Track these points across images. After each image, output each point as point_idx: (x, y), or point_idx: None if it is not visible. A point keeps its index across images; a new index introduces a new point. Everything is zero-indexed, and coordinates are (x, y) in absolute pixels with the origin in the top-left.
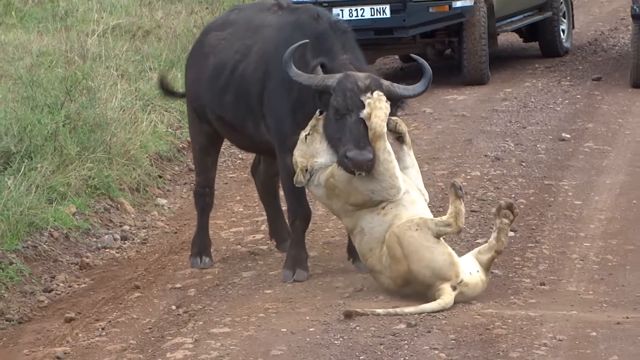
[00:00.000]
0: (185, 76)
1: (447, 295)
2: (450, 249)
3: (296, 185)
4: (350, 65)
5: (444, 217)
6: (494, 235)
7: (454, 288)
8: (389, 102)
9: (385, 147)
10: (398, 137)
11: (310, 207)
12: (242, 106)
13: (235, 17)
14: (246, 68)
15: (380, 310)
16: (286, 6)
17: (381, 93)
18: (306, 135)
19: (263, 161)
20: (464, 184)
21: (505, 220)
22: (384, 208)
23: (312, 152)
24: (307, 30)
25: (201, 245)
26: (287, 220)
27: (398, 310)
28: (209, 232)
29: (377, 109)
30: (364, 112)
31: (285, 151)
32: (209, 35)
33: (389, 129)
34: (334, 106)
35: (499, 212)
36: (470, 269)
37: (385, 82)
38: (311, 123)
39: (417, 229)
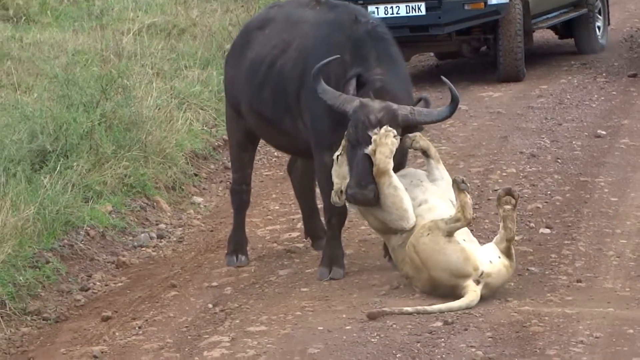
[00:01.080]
0: (225, 73)
1: (471, 293)
2: (462, 244)
3: (335, 205)
4: (379, 83)
5: (452, 213)
6: (501, 225)
7: (477, 282)
8: (398, 138)
9: (391, 183)
10: (423, 152)
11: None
12: (279, 102)
13: (274, 13)
14: (284, 64)
15: (408, 309)
16: (324, 1)
17: (390, 128)
18: (338, 156)
19: (300, 160)
20: (499, 180)
21: (507, 207)
22: None
23: (344, 173)
24: (345, 32)
25: (237, 243)
26: (323, 219)
27: (420, 308)
28: (245, 230)
29: (382, 145)
30: (369, 149)
31: (322, 149)
32: (248, 32)
33: (405, 147)
34: (349, 133)
35: (500, 201)
36: (490, 257)
37: (403, 111)
38: (343, 143)
39: (428, 234)
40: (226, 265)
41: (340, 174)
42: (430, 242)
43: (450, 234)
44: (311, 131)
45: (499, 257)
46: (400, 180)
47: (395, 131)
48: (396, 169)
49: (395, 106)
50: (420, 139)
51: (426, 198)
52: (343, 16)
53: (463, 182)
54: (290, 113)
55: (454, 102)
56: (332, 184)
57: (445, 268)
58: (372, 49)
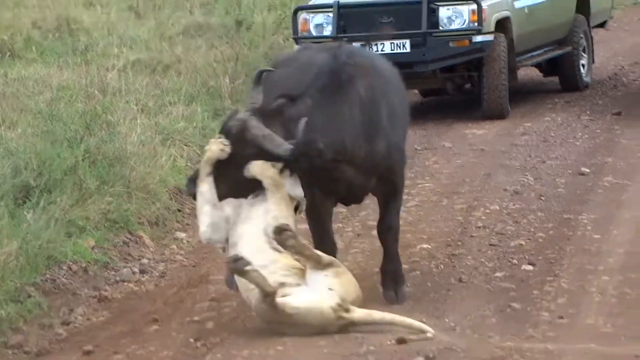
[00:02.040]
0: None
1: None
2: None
3: None
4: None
5: None
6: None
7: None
8: (227, 146)
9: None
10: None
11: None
12: None
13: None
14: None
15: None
16: (338, 47)
17: (221, 137)
18: None
19: None
20: (482, 217)
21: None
22: None
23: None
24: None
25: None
26: None
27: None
28: None
29: (208, 150)
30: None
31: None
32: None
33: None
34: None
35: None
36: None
37: (256, 131)
38: None
39: None
40: (226, 286)
41: None
42: None
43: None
44: None
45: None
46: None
47: (225, 142)
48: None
49: (253, 123)
50: (255, 166)
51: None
52: (324, 54)
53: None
54: None
55: (301, 144)
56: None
57: None
58: (320, 79)
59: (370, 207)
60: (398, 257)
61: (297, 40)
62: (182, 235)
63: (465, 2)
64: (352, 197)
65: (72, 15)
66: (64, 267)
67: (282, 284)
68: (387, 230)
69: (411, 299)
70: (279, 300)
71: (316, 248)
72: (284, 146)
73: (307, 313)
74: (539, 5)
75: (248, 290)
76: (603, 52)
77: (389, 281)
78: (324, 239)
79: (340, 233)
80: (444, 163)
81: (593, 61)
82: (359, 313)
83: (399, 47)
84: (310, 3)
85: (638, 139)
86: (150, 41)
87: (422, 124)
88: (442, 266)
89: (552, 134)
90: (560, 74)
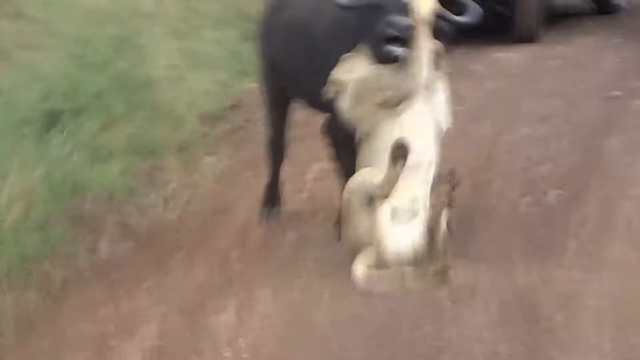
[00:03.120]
0: (259, 27)
1: None
2: None
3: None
4: None
5: None
6: None
7: None
8: None
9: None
10: None
11: None
12: (310, 65)
13: None
14: (316, 28)
15: None
16: None
17: None
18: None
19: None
20: (510, 142)
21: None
22: None
23: (349, 67)
24: None
25: (271, 197)
26: None
27: None
28: (279, 184)
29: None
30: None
31: None
32: None
33: None
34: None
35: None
36: None
37: None
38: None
39: None
40: (259, 217)
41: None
42: None
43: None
44: None
45: None
46: None
47: None
48: None
49: None
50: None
51: None
52: None
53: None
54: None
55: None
56: None
57: None
58: None
59: None
60: None
61: None
62: (209, 160)
63: None
64: None
65: None
66: (89, 195)
67: None
68: None
69: None
70: None
71: None
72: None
73: None
74: None
75: None
76: None
77: None
78: None
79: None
80: (473, 86)
81: None
82: None
83: None
84: None
85: None
86: None
87: (452, 47)
88: (468, 191)
89: (584, 58)
90: None
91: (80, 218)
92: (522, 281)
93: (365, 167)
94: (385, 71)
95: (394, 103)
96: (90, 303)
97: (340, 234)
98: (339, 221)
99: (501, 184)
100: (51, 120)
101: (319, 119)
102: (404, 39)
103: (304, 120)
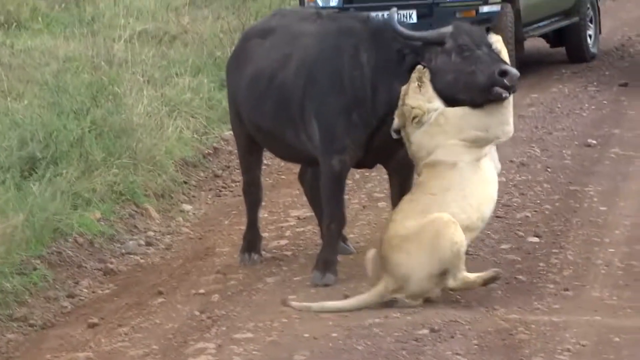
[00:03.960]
0: (227, 79)
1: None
2: None
3: (394, 135)
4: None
5: None
6: None
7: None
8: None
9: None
10: None
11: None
12: (281, 116)
13: (275, 23)
14: (285, 77)
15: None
16: (325, 15)
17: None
18: (419, 85)
19: (310, 168)
20: None
21: None
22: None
23: (428, 98)
24: (356, 34)
25: (250, 241)
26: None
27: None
28: (258, 228)
29: (504, 48)
30: (498, 46)
31: (332, 153)
32: (249, 41)
33: None
34: (460, 45)
35: None
36: None
37: None
38: (415, 76)
39: None
40: (239, 262)
41: (423, 100)
42: None
43: None
44: (320, 137)
45: None
46: None
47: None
48: None
49: None
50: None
51: None
52: (350, 22)
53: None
54: (292, 126)
55: None
56: (338, 189)
57: None
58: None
59: (376, 179)
60: None
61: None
62: (188, 207)
63: None
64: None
65: None
66: (69, 240)
67: None
68: None
69: None
70: None
71: (331, 215)
72: None
73: None
74: None
75: None
76: (610, 23)
77: None
78: (341, 206)
79: (347, 205)
80: None
81: (600, 32)
82: None
83: (406, 18)
84: None
85: None
86: (156, 12)
87: None
88: None
89: (559, 105)
90: (567, 44)
91: (61, 262)
92: (502, 323)
93: (432, 190)
94: (479, 112)
95: (482, 144)
96: (71, 345)
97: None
98: (318, 267)
99: (481, 230)
100: (30, 166)
101: (295, 166)
102: (510, 87)
103: (281, 168)
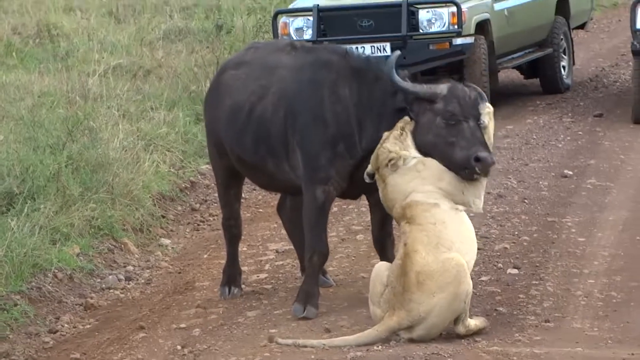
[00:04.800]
0: (204, 113)
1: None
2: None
3: (367, 179)
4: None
5: None
6: None
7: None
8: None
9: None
10: None
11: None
12: (262, 147)
13: (251, 57)
14: (264, 110)
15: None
16: (300, 47)
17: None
18: (401, 132)
19: (289, 198)
20: None
21: None
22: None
23: (405, 147)
24: (333, 68)
25: (230, 275)
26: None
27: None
28: (238, 262)
29: (492, 120)
30: (486, 121)
31: (316, 184)
32: (225, 74)
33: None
34: (448, 112)
35: None
36: None
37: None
38: (400, 125)
39: None
40: (219, 296)
41: (401, 147)
42: None
43: None
44: (304, 168)
45: None
46: None
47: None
48: None
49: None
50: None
51: None
52: (326, 56)
53: None
54: (274, 157)
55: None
56: (321, 220)
57: None
58: (380, 69)
59: (354, 211)
60: None
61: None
62: (166, 241)
63: (445, 4)
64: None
65: (52, 20)
66: (49, 275)
67: None
68: (388, 236)
69: None
70: None
71: (313, 247)
72: None
73: None
74: (519, 7)
75: None
76: (583, 54)
77: None
78: (324, 237)
79: None
80: None
81: (574, 63)
82: None
83: (380, 50)
84: (290, 7)
85: (620, 140)
86: (130, 46)
87: None
88: None
89: (535, 137)
90: (541, 76)
91: (41, 297)
92: (484, 355)
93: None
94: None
95: (456, 201)
96: None
97: None
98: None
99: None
100: (8, 202)
101: (274, 199)
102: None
103: (259, 202)
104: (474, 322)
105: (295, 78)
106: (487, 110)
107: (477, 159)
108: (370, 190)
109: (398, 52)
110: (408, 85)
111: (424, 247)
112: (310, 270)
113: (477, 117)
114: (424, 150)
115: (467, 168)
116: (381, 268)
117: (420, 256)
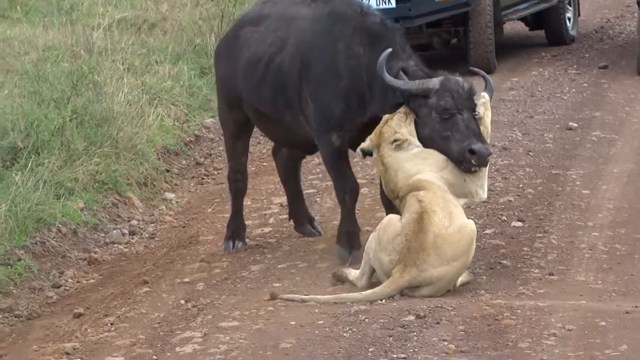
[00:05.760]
0: (216, 67)
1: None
2: None
3: (359, 155)
4: (420, 72)
5: None
6: None
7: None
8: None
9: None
10: None
11: (329, 194)
12: (279, 99)
13: (268, 10)
14: (282, 61)
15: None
16: None
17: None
18: (405, 116)
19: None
20: None
21: None
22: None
23: (410, 131)
24: (350, 23)
25: (235, 230)
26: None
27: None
28: (243, 216)
29: (488, 109)
30: (481, 112)
31: (330, 131)
32: (243, 29)
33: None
34: (441, 106)
35: None
36: None
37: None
38: (403, 110)
39: None
40: (223, 250)
41: (407, 130)
42: None
43: None
44: (316, 117)
45: None
46: None
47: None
48: None
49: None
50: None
51: None
52: (343, 9)
53: None
54: (290, 108)
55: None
56: (343, 162)
57: None
58: (393, 41)
59: (358, 164)
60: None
61: None
62: (171, 195)
63: None
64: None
65: None
66: (53, 230)
67: None
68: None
69: None
70: None
71: (342, 187)
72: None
73: None
74: None
75: None
76: (588, 5)
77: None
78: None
79: (330, 191)
80: None
81: (579, 14)
82: None
83: (385, 3)
84: None
85: (625, 92)
86: None
87: None
88: None
89: (540, 89)
90: (546, 27)
91: (45, 252)
92: (488, 309)
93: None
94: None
95: (457, 193)
96: (56, 335)
97: None
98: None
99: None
100: (12, 156)
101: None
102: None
103: (264, 155)
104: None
105: (313, 29)
106: (482, 100)
107: (472, 152)
108: None
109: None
110: (400, 83)
111: (441, 210)
112: (345, 210)
113: (472, 108)
114: (424, 143)
115: (462, 161)
116: (394, 219)
117: (439, 218)
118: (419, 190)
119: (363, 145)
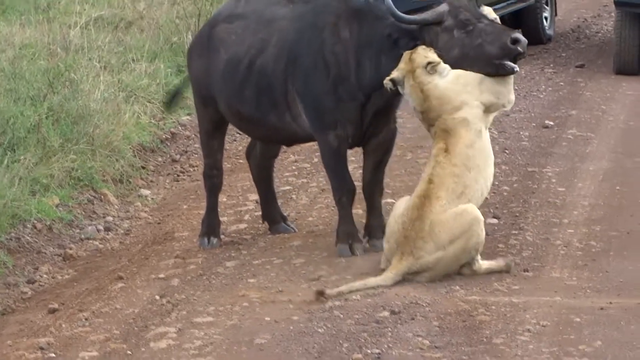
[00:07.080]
0: (190, 65)
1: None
2: None
3: (388, 85)
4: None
5: None
6: None
7: None
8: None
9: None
10: None
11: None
12: (264, 100)
13: (243, 9)
14: (265, 62)
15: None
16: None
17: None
18: (428, 47)
19: (259, 145)
20: None
21: None
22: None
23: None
24: (334, 12)
25: (210, 226)
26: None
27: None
28: (217, 212)
29: (497, 17)
30: (492, 17)
31: (326, 129)
32: (217, 27)
33: None
34: (461, 21)
35: None
36: None
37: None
38: (421, 47)
39: None
40: (198, 247)
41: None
42: None
43: None
44: (309, 117)
45: None
46: None
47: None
48: None
49: None
50: None
51: None
52: (323, 1)
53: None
54: (276, 108)
55: None
56: (340, 163)
57: None
58: (380, 9)
59: None
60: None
61: None
62: (146, 192)
63: None
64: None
65: None
66: (28, 226)
67: None
68: (378, 183)
69: (377, 254)
70: None
71: (339, 188)
72: None
73: None
74: None
75: None
76: (565, 5)
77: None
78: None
79: (305, 188)
80: (408, 117)
81: (556, 14)
82: None
83: None
84: None
85: (601, 91)
86: None
87: None
88: None
89: (516, 87)
90: (523, 26)
91: (20, 248)
92: (463, 304)
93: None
94: (491, 79)
95: (492, 111)
96: (31, 331)
97: None
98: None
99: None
100: None
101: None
102: (517, 56)
103: (239, 152)
104: (485, 265)
105: (296, 26)
106: (487, 10)
107: (515, 40)
108: (374, 134)
109: None
110: (415, 17)
111: (447, 195)
112: (343, 211)
113: (485, 16)
114: (457, 66)
115: (508, 54)
116: (401, 204)
117: (440, 204)
118: (453, 133)
119: (392, 74)
